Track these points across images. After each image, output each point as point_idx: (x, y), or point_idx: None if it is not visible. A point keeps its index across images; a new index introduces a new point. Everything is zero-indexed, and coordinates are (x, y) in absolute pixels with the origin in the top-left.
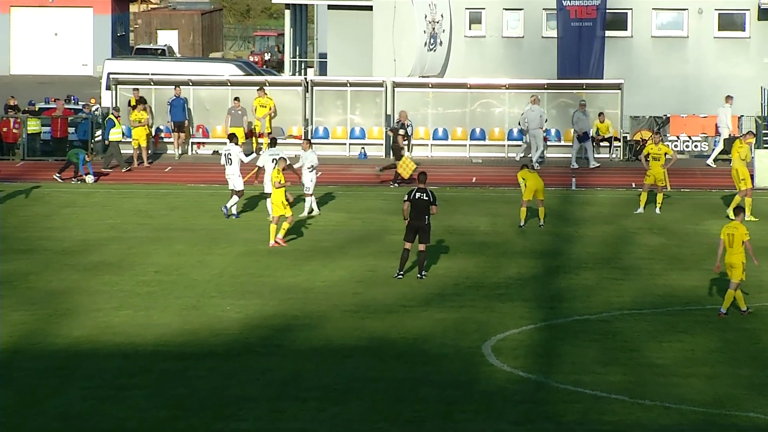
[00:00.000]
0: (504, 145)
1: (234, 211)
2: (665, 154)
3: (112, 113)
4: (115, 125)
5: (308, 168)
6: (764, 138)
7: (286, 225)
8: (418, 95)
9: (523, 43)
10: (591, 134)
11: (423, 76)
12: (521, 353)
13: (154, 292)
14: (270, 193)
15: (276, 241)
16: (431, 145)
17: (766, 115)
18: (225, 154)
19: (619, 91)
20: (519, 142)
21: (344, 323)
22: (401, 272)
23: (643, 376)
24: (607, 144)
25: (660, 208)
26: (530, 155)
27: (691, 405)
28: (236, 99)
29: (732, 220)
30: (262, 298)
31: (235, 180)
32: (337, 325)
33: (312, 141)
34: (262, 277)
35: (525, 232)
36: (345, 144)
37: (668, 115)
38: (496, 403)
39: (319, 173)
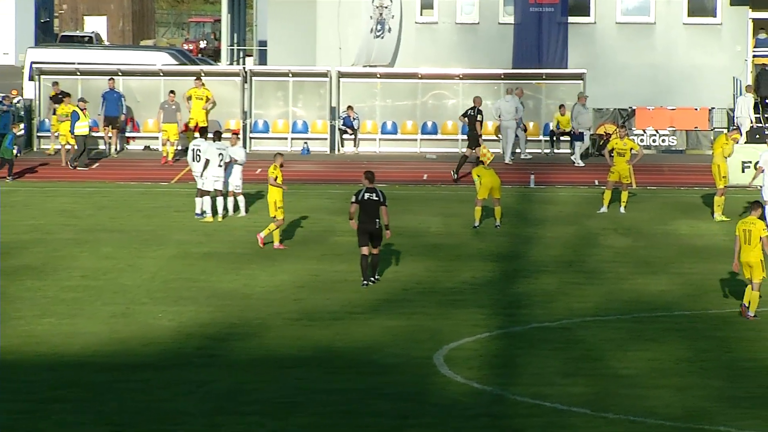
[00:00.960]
0: (457, 140)
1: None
2: (631, 149)
3: (78, 104)
4: (80, 118)
5: (225, 163)
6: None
7: (272, 226)
8: (365, 86)
9: (479, 29)
10: (552, 128)
11: (370, 66)
12: (476, 363)
13: (80, 298)
14: (210, 191)
15: (260, 239)
16: (379, 139)
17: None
18: (194, 150)
19: (581, 81)
20: None
21: (286, 332)
22: (366, 281)
23: (607, 388)
24: (568, 138)
25: (625, 207)
26: (517, 150)
27: (659, 419)
28: (171, 92)
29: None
30: (198, 305)
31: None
32: (279, 333)
33: (252, 136)
34: (197, 282)
35: (480, 233)
36: (286, 138)
37: (634, 108)
38: (450, 417)
39: (259, 170)
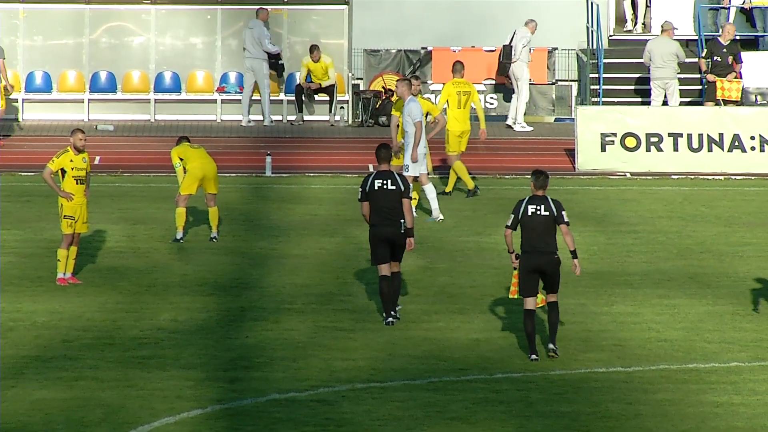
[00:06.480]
0: (149, 100)
1: None
2: (427, 114)
3: None
4: None
5: None
6: (593, 88)
7: (74, 251)
8: (1, 16)
9: None
10: (300, 80)
11: None
12: None
13: None
14: None
15: (69, 278)
16: (23, 100)
17: (595, 47)
18: None
19: (345, 6)
20: (173, 95)
21: None
22: (391, 317)
23: None
24: (326, 97)
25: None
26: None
27: None
28: None
29: None
30: None
31: None
32: None
33: None
34: None
35: (185, 250)
36: None
37: (429, 48)
38: None
39: None
